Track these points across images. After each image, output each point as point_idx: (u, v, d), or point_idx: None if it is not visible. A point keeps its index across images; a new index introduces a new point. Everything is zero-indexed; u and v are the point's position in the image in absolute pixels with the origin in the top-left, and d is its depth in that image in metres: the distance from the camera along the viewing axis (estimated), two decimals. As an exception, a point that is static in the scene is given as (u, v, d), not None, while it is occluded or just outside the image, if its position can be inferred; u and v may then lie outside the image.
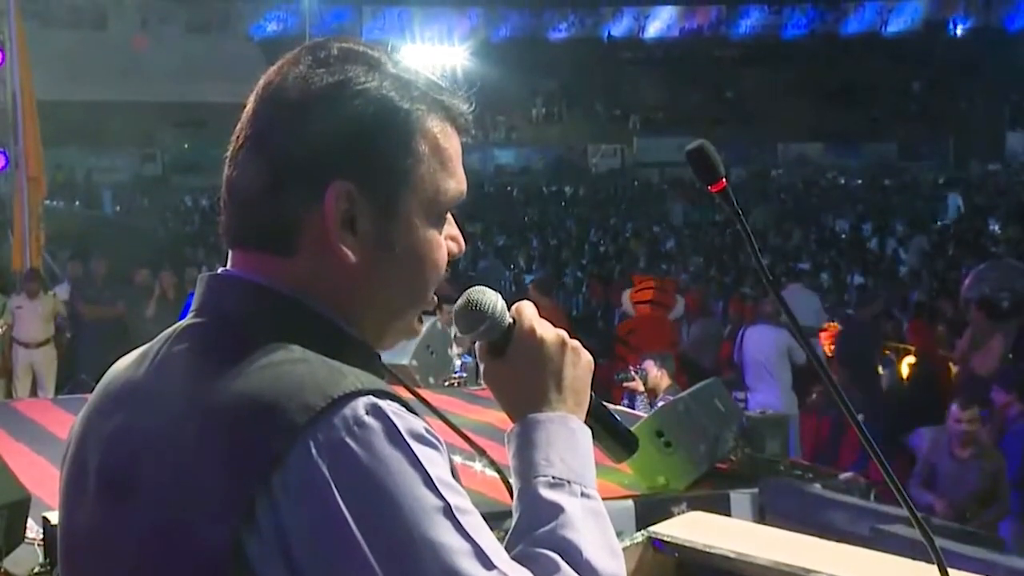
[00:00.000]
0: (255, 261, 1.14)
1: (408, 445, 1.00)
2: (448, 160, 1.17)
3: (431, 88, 1.17)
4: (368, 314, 1.16)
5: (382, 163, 1.12)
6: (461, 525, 0.99)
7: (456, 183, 1.18)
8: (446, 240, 1.19)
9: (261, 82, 1.17)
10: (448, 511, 0.99)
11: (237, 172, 1.15)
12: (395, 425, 1.00)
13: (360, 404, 1.01)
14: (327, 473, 0.97)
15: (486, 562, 0.98)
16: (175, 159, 39.53)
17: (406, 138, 1.14)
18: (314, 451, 0.98)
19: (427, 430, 1.03)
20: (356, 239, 1.12)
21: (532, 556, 1.06)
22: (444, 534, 0.98)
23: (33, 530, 3.88)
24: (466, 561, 0.97)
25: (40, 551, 3.79)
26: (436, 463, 1.01)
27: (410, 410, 1.04)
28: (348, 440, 0.98)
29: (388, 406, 1.02)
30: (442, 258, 1.18)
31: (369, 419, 1.00)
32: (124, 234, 20.35)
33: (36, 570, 3.73)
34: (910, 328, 10.43)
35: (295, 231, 1.12)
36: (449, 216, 1.20)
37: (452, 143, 1.18)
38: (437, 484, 0.99)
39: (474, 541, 0.99)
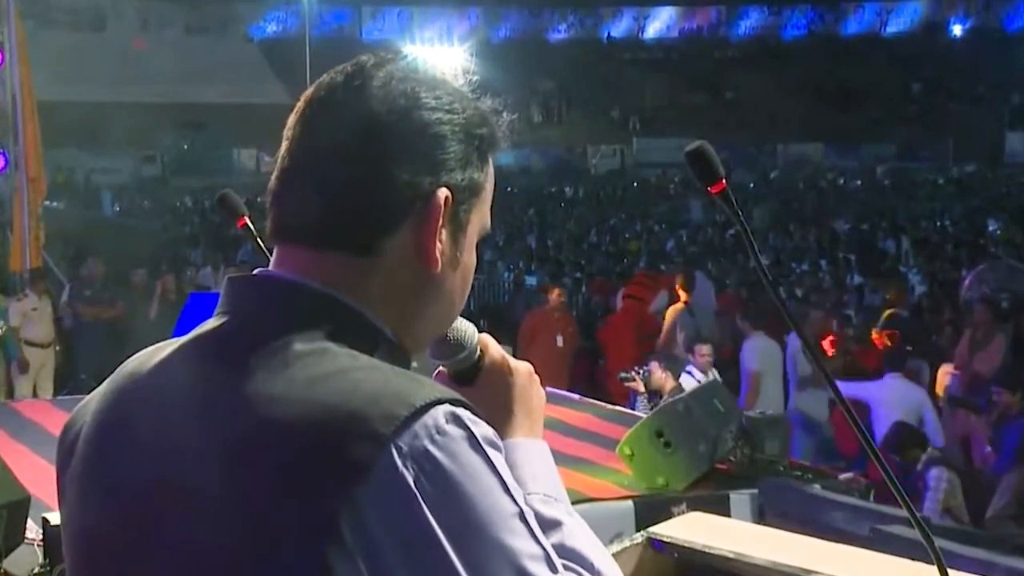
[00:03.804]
0: (317, 260, 1.12)
1: (486, 452, 1.01)
2: (492, 187, 1.21)
3: (496, 120, 1.21)
4: (418, 325, 1.17)
5: (469, 182, 1.16)
6: (532, 530, 1.01)
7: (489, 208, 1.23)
8: None
9: (337, 78, 1.16)
10: (522, 516, 1.01)
11: (320, 168, 1.12)
12: (474, 432, 1.01)
13: (440, 412, 1.00)
14: (412, 483, 0.97)
15: (552, 565, 1.01)
16: (175, 160, 39.56)
17: (485, 163, 1.18)
18: (398, 461, 0.97)
19: (496, 435, 1.05)
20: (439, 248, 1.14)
21: None
22: (521, 540, 1.00)
23: (33, 530, 3.88)
24: (539, 566, 1.00)
25: (40, 551, 3.79)
26: (506, 468, 1.03)
27: (480, 417, 1.05)
28: (431, 448, 0.98)
29: (463, 413, 1.02)
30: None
31: (450, 427, 1.00)
32: (124, 235, 20.36)
33: (36, 570, 3.72)
34: None
35: (390, 231, 1.11)
36: None
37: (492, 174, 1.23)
38: (511, 490, 1.01)
39: (542, 545, 1.02)
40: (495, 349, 1.29)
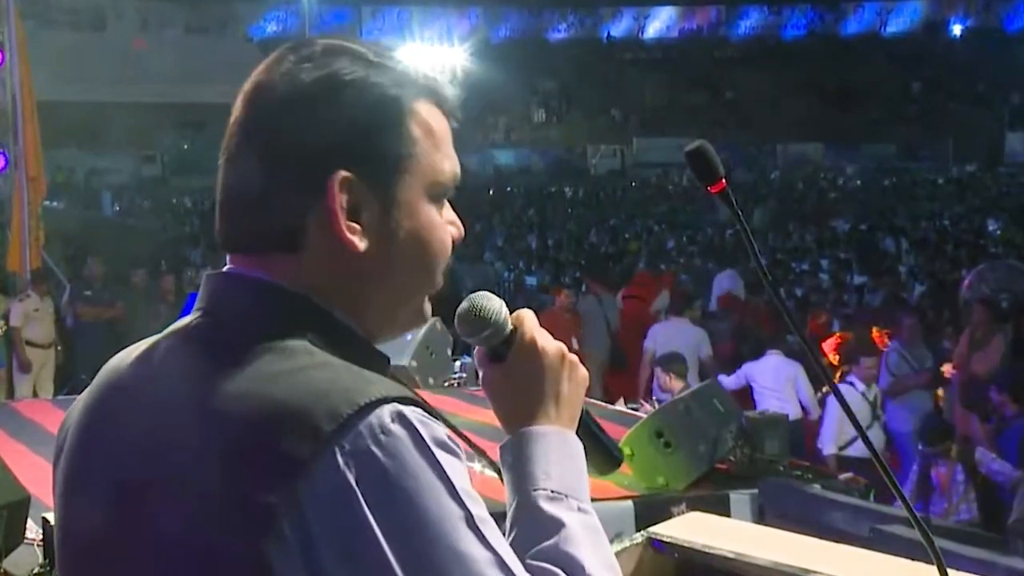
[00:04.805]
0: (259, 262, 1.13)
1: (433, 454, 0.99)
2: (441, 141, 1.17)
3: (416, 73, 1.17)
4: (377, 301, 1.16)
5: (379, 150, 1.13)
6: (483, 535, 0.99)
7: (451, 164, 1.18)
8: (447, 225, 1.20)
9: (246, 85, 1.16)
10: (471, 521, 0.99)
11: (233, 175, 1.14)
12: (420, 433, 1.00)
13: (386, 411, 1.00)
14: (353, 482, 0.96)
15: (507, 572, 0.99)
16: (175, 160, 39.55)
17: (399, 123, 1.14)
18: (340, 459, 0.96)
19: (449, 437, 1.03)
20: (362, 228, 1.12)
21: (536, 570, 1.06)
22: (468, 544, 0.98)
23: (33, 530, 3.89)
24: (489, 571, 0.98)
25: (40, 551, 3.80)
26: (458, 471, 1.01)
27: (433, 416, 1.04)
28: (374, 448, 0.97)
29: (413, 413, 1.01)
30: (446, 239, 1.18)
31: (395, 427, 0.99)
32: (123, 235, 20.36)
33: (36, 571, 3.73)
34: None
35: (300, 227, 1.11)
36: (446, 202, 1.20)
37: (442, 124, 1.18)
38: (460, 493, 0.99)
39: (495, 551, 0.99)
40: (528, 327, 1.24)
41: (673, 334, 9.20)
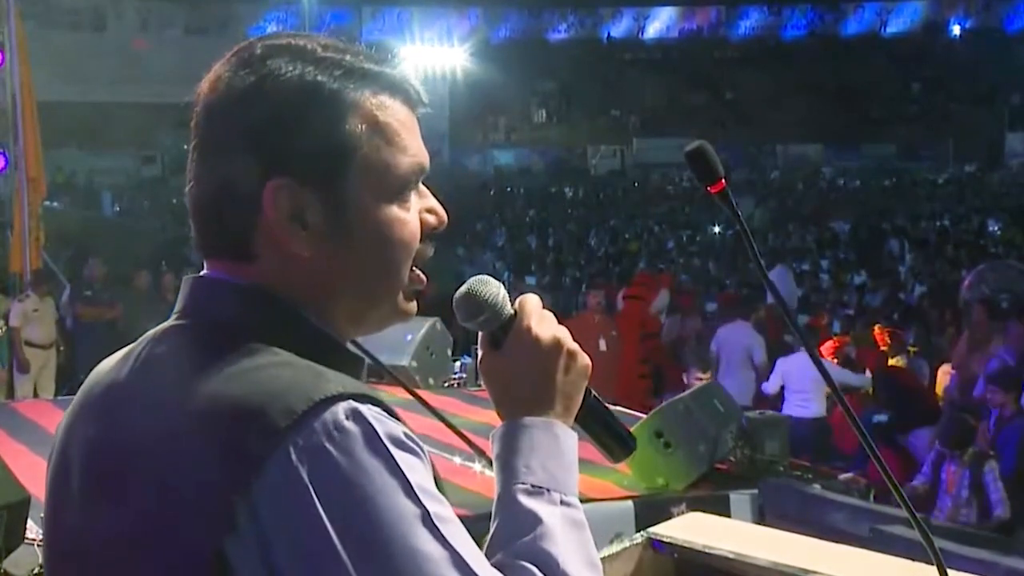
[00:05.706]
0: (227, 267, 1.14)
1: (388, 451, 0.98)
2: (394, 134, 1.13)
3: (363, 62, 1.13)
4: (341, 304, 1.14)
5: (315, 152, 1.09)
6: (440, 533, 0.97)
7: (410, 156, 1.14)
8: (423, 213, 1.17)
9: (198, 94, 1.15)
10: (427, 518, 0.97)
11: (192, 186, 1.15)
12: (375, 430, 0.99)
13: (340, 409, 0.99)
14: (306, 479, 0.96)
15: (465, 570, 0.97)
16: (175, 160, 39.47)
17: (336, 120, 1.10)
18: (294, 456, 0.96)
19: (407, 435, 1.01)
20: (308, 233, 1.10)
21: (510, 567, 1.05)
22: (422, 542, 0.96)
23: (33, 530, 3.89)
24: (445, 569, 0.96)
25: (40, 552, 3.79)
26: (416, 469, 1.00)
27: (392, 414, 1.03)
28: (328, 445, 0.97)
29: (368, 411, 1.00)
30: (410, 234, 1.14)
31: (349, 424, 0.98)
32: (123, 235, 20.38)
33: (36, 571, 3.73)
34: None
35: (249, 236, 1.11)
36: (424, 189, 1.17)
37: (396, 115, 1.14)
38: (416, 491, 0.98)
39: (453, 549, 0.97)
40: (527, 313, 1.21)
41: (734, 336, 9.47)
